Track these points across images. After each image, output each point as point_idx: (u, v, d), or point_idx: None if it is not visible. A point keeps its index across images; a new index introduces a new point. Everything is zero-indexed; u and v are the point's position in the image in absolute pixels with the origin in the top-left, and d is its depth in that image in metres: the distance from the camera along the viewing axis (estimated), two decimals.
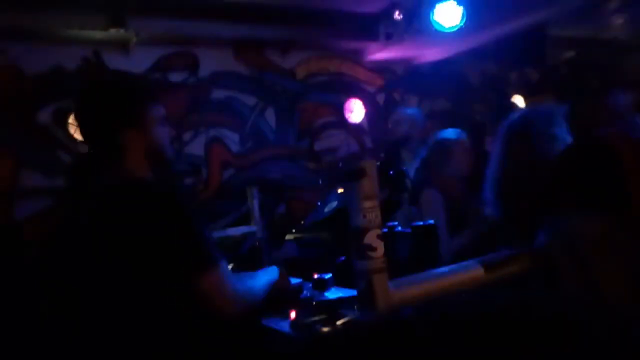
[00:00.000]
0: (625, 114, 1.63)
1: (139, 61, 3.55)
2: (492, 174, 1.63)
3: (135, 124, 1.55)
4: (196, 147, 3.78)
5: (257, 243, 2.98)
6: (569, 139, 1.53)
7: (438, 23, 3.31)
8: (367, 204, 1.21)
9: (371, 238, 1.20)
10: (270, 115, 4.07)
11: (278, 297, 1.87)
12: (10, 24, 2.95)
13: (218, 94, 3.86)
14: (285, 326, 1.89)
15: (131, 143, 1.54)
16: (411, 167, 3.15)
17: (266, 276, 1.81)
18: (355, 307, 1.65)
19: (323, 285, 2.00)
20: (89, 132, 1.57)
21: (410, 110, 3.96)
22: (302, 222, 3.23)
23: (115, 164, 1.53)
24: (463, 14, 3.26)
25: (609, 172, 1.27)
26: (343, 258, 2.39)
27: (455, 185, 2.91)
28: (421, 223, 2.42)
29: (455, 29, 3.30)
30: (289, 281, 1.95)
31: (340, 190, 2.94)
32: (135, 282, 1.40)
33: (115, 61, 3.47)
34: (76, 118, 1.60)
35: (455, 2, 3.25)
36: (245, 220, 3.22)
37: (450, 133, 3.04)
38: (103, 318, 1.43)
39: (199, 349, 1.46)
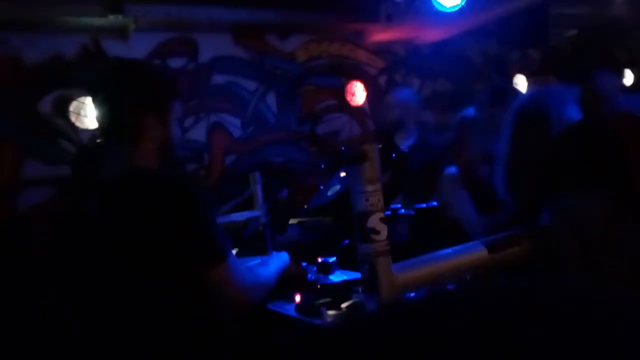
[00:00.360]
0: (612, 94, 1.61)
1: (138, 47, 3.53)
2: (503, 158, 1.61)
3: (157, 110, 1.55)
4: (198, 133, 3.77)
5: (260, 228, 2.99)
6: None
7: (439, 3, 3.28)
8: (370, 187, 1.21)
9: (374, 221, 1.21)
10: (271, 99, 4.06)
11: (287, 282, 1.89)
12: (9, 13, 2.93)
13: (218, 79, 3.85)
14: (290, 309, 1.91)
15: (148, 128, 1.53)
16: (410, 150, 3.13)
17: (277, 263, 1.81)
18: (360, 290, 1.66)
19: (327, 269, 2.01)
20: (110, 111, 1.54)
21: (403, 92, 3.87)
22: (305, 206, 3.24)
23: (127, 149, 1.52)
24: None
25: (611, 153, 1.26)
26: (347, 241, 2.40)
27: (478, 165, 2.86)
28: (424, 205, 2.42)
29: (456, 8, 3.28)
30: (301, 266, 1.96)
31: (342, 174, 2.94)
32: (143, 275, 1.41)
33: (114, 48, 3.45)
34: (97, 95, 1.57)
35: None
36: (248, 205, 3.23)
37: (470, 111, 2.99)
38: (112, 309, 1.44)
39: (206, 339, 1.48)
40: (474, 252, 1.39)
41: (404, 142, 3.34)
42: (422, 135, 3.40)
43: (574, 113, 1.53)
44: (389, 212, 2.40)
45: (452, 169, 2.75)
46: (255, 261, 2.52)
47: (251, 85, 3.97)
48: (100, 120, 1.57)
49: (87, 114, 3.29)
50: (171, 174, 1.56)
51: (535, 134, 1.53)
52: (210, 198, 1.64)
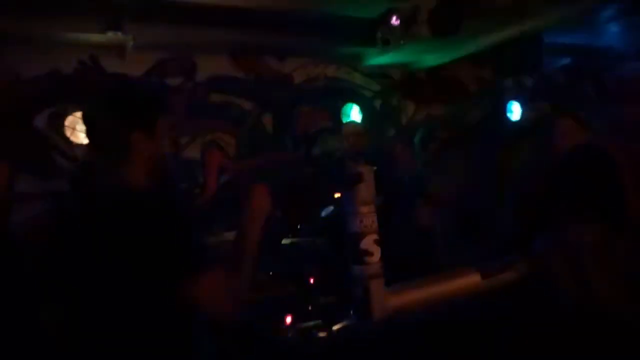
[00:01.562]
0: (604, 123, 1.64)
1: (136, 66, 3.55)
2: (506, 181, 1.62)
3: (145, 126, 1.56)
4: (193, 152, 3.77)
5: None
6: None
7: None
8: (364, 209, 1.21)
9: (368, 243, 1.20)
10: (267, 120, 4.07)
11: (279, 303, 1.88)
12: (7, 28, 2.95)
13: (215, 98, 3.86)
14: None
15: (138, 146, 1.55)
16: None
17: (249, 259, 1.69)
18: (352, 312, 1.65)
19: (319, 290, 2.00)
20: (97, 127, 1.56)
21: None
22: (299, 227, 3.23)
23: (119, 167, 1.54)
24: None
25: (607, 182, 1.27)
26: (340, 263, 2.39)
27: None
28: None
29: (452, 35, 3.31)
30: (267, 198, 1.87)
31: (337, 195, 2.95)
32: (127, 289, 1.40)
33: (111, 65, 3.47)
34: (88, 115, 1.60)
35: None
36: None
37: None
38: (99, 324, 1.43)
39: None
40: (467, 277, 1.39)
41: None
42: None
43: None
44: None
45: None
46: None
47: (247, 105, 3.98)
48: (88, 136, 1.59)
49: (82, 129, 3.29)
50: (157, 191, 1.56)
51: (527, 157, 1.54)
52: (198, 215, 1.64)
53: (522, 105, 4.21)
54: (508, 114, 4.29)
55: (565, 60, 4.95)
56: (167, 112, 1.68)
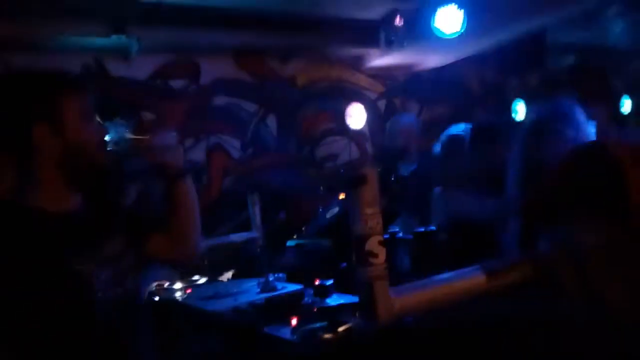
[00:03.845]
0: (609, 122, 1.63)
1: (140, 69, 3.56)
2: (511, 173, 1.61)
3: (48, 117, 1.29)
4: (197, 154, 3.78)
5: (257, 249, 2.98)
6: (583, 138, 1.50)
7: (439, 29, 3.32)
8: (369, 210, 1.20)
9: (372, 244, 1.20)
10: (271, 122, 4.08)
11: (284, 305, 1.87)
12: (12, 33, 2.96)
13: (219, 101, 3.87)
14: (286, 333, 1.89)
15: (44, 142, 1.29)
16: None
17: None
18: (357, 314, 1.64)
19: (324, 292, 2.00)
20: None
21: (407, 118, 3.89)
22: (303, 229, 3.23)
23: (16, 166, 1.30)
24: (463, 20, 3.27)
25: (611, 180, 1.26)
26: (344, 264, 2.39)
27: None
28: (422, 229, 2.42)
29: (456, 35, 3.31)
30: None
31: (341, 197, 2.95)
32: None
33: (116, 69, 3.48)
34: None
35: (456, 7, 3.26)
36: (246, 226, 3.22)
37: (459, 127, 2.98)
38: None
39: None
40: (472, 278, 1.38)
41: (407, 167, 3.35)
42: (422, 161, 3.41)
43: (573, 131, 1.52)
44: (387, 236, 2.40)
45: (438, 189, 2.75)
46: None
47: (251, 107, 3.99)
48: None
49: None
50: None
51: (532, 151, 1.53)
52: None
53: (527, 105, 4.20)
54: (513, 114, 4.28)
55: (570, 59, 4.94)
56: (77, 94, 1.36)
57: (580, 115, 1.59)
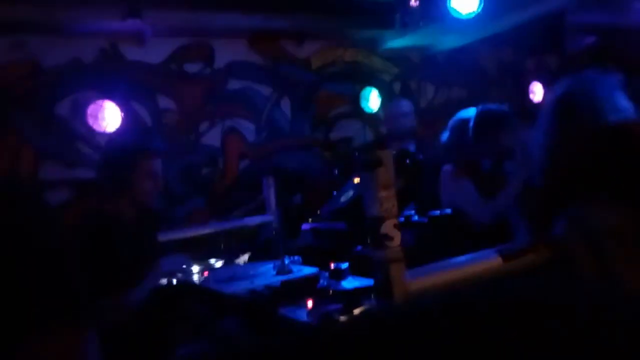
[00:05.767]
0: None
1: (155, 52, 3.57)
2: (538, 145, 1.54)
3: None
4: (212, 138, 3.80)
5: (273, 232, 3.00)
6: (618, 111, 1.43)
7: (455, 10, 3.28)
8: (384, 193, 1.20)
9: (388, 227, 1.20)
10: (285, 105, 4.07)
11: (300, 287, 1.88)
12: (28, 17, 2.98)
13: (234, 84, 3.87)
14: (302, 315, 1.91)
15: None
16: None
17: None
18: (372, 296, 1.65)
19: (340, 275, 2.01)
20: None
21: (407, 102, 3.84)
22: (319, 212, 3.23)
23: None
24: (480, 0, 3.22)
25: (629, 162, 1.25)
26: (360, 247, 2.39)
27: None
28: (438, 212, 2.41)
29: (472, 15, 3.27)
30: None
31: (356, 180, 2.94)
32: None
33: (131, 53, 3.49)
34: None
35: None
36: (261, 209, 3.24)
37: (468, 111, 2.96)
38: None
39: None
40: (488, 260, 1.38)
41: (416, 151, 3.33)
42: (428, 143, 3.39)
43: (623, 100, 1.43)
44: (402, 219, 2.39)
45: (448, 166, 2.71)
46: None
47: (266, 90, 3.99)
48: None
49: (104, 117, 3.33)
50: None
51: (565, 123, 1.46)
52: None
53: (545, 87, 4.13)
54: (530, 96, 4.23)
55: (590, 40, 4.85)
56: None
57: (612, 87, 1.51)
